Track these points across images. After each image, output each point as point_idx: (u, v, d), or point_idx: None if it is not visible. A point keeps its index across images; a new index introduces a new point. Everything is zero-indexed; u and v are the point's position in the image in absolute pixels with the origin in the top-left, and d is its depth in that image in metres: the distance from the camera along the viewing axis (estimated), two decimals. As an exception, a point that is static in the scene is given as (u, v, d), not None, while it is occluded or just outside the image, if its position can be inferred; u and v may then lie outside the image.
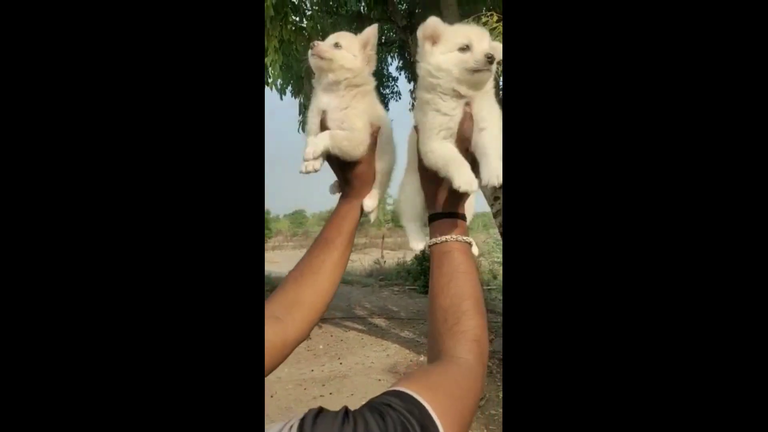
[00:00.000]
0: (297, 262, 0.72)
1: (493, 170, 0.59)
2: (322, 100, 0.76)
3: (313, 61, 0.74)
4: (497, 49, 0.66)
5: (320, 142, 0.72)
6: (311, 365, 4.26)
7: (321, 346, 4.80)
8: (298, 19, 4.43)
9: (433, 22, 0.66)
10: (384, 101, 6.64)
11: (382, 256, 10.11)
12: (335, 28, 4.94)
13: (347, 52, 0.74)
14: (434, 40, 0.66)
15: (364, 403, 0.43)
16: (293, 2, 4.35)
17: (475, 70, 0.63)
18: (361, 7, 5.28)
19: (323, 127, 0.74)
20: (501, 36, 2.08)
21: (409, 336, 5.18)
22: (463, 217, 0.67)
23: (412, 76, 5.93)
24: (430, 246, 0.66)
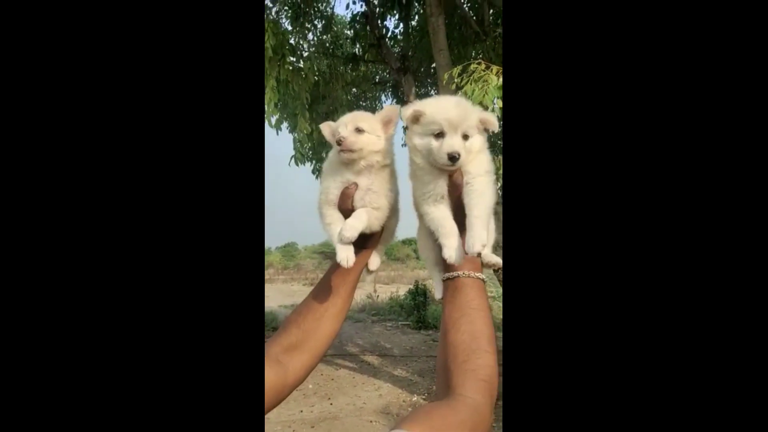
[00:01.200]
0: (297, 303, 0.72)
1: (476, 238, 0.60)
2: (346, 176, 0.76)
3: (343, 156, 0.74)
4: (488, 121, 0.67)
5: (359, 224, 0.71)
6: (300, 406, 4.10)
7: (311, 386, 4.64)
8: (295, 59, 4.61)
9: (411, 105, 0.68)
10: (378, 137, 6.79)
11: (375, 290, 9.97)
12: (331, 69, 5.13)
13: (371, 134, 0.74)
14: (416, 118, 0.68)
15: None
16: (291, 44, 4.54)
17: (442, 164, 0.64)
18: (357, 50, 5.52)
19: (345, 201, 0.74)
20: (487, 82, 2.19)
21: (402, 374, 5.04)
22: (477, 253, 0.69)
23: (405, 114, 6.12)
24: (443, 280, 0.67)
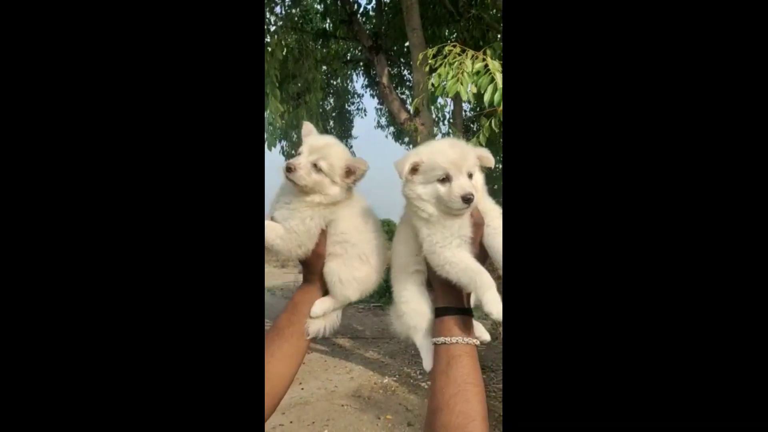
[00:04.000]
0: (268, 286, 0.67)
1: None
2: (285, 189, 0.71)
3: (288, 183, 0.68)
4: (485, 157, 0.64)
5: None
6: (271, 392, 4.07)
7: (282, 371, 4.61)
8: (261, 34, 4.36)
9: (405, 158, 0.63)
10: (349, 118, 6.64)
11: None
12: (299, 45, 4.90)
13: (326, 178, 0.67)
14: (415, 169, 0.63)
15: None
16: (257, 17, 4.27)
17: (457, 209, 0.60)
18: (327, 25, 5.29)
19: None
20: (461, 67, 2.14)
21: (373, 356, 5.09)
22: (470, 312, 0.63)
23: (377, 94, 5.98)
24: (436, 345, 0.61)
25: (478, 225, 0.62)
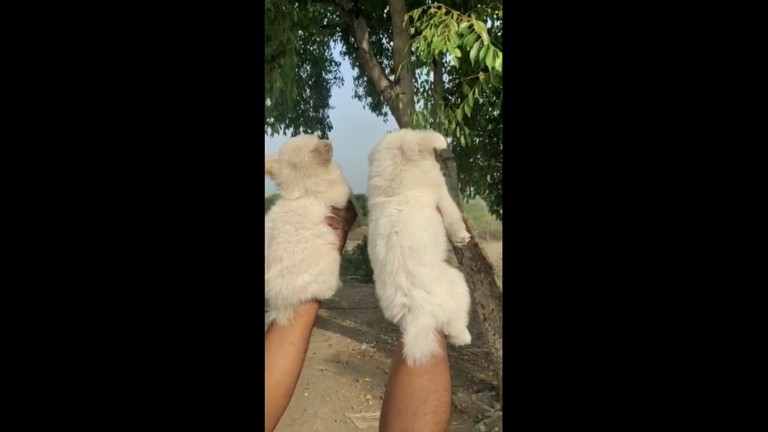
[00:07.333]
0: None
1: None
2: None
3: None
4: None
5: None
6: (249, 359, 4.10)
7: (260, 339, 4.63)
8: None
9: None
10: (327, 87, 6.44)
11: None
12: (276, 7, 4.66)
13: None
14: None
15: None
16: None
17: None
18: (304, -14, 5.04)
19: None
20: (448, 27, 2.10)
21: (350, 325, 5.18)
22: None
23: (357, 62, 5.82)
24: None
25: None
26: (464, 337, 0.60)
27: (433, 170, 0.63)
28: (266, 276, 0.62)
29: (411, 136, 0.62)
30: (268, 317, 0.63)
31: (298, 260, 0.61)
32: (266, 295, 0.62)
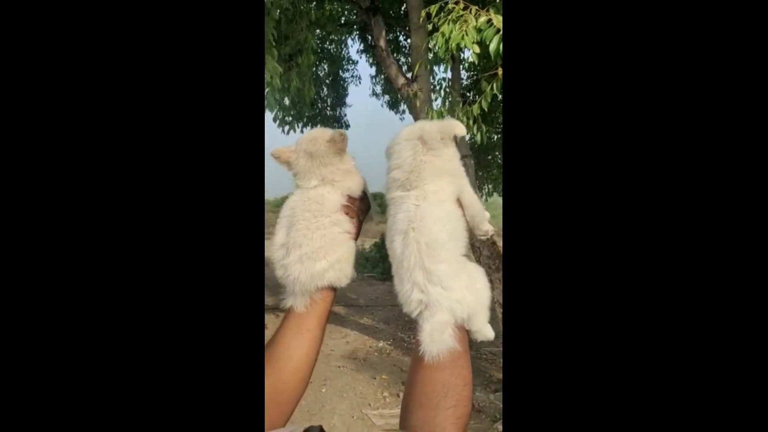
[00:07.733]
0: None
1: None
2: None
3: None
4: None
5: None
6: (268, 355, 4.17)
7: (278, 335, 4.70)
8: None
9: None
10: (344, 85, 6.47)
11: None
12: (294, 6, 4.70)
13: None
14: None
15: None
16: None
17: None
18: (321, -15, 5.07)
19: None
20: (467, 22, 2.08)
21: (368, 323, 5.20)
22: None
23: (374, 60, 5.82)
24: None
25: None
26: (486, 332, 0.58)
27: (454, 159, 0.62)
28: (285, 261, 0.63)
29: (430, 125, 0.61)
30: (285, 304, 0.63)
31: (316, 246, 0.62)
32: (284, 281, 0.63)
